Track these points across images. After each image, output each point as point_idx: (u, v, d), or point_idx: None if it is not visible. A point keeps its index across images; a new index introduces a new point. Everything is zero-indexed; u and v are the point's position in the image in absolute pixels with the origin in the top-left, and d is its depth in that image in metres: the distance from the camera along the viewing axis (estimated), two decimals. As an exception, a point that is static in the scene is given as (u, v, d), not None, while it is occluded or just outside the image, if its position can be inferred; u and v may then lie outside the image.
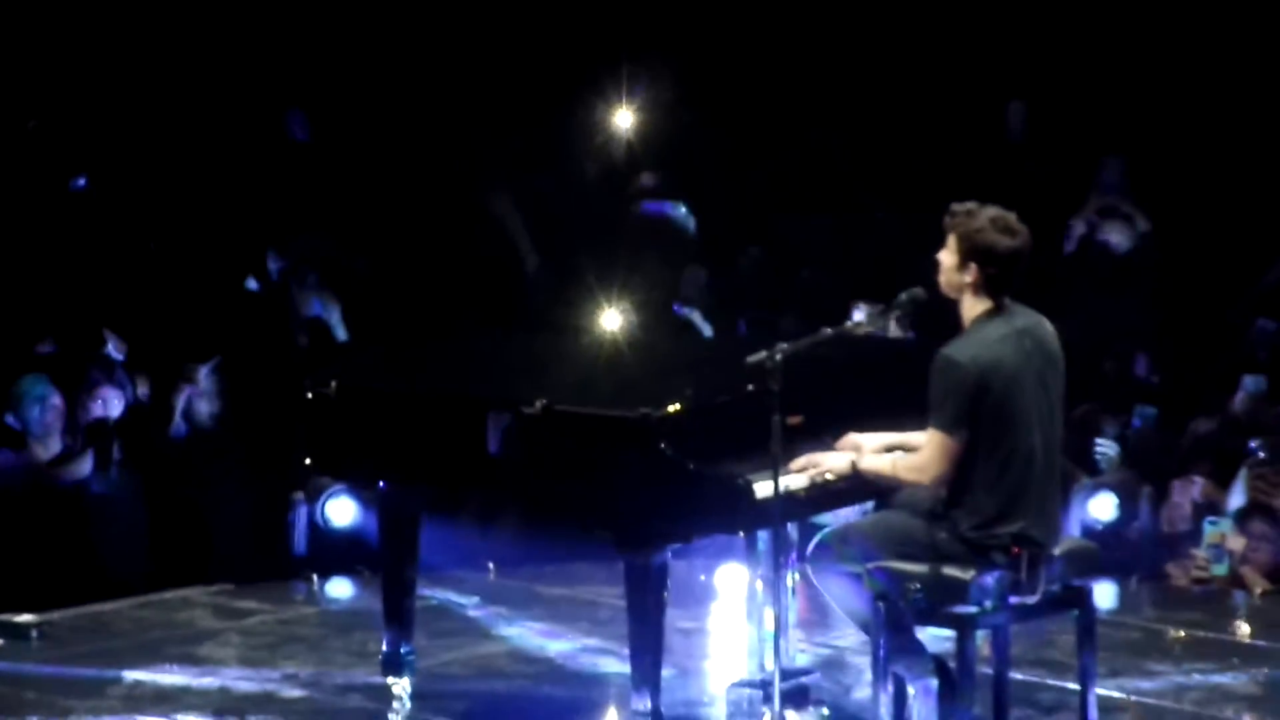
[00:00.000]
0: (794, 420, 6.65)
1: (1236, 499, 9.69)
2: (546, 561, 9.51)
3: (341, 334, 11.32)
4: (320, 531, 9.99)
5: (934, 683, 6.69)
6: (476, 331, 9.18)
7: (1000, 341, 6.51)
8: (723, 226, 12.39)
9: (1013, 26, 12.82)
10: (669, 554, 6.73)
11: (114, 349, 10.56)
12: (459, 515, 9.30)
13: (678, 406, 6.68)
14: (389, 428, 7.35)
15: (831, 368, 7.04)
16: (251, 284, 11.55)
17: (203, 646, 8.57)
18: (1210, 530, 9.56)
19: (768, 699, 6.86)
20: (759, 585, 7.22)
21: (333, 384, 7.42)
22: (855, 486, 6.78)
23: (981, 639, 6.79)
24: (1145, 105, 12.48)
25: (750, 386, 6.66)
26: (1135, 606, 9.20)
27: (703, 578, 9.25)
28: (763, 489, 6.54)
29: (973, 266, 6.55)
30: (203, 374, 10.15)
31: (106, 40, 12.37)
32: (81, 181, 11.93)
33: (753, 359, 6.54)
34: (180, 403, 10.16)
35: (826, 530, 6.82)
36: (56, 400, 9.77)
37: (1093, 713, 6.79)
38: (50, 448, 9.76)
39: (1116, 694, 7.75)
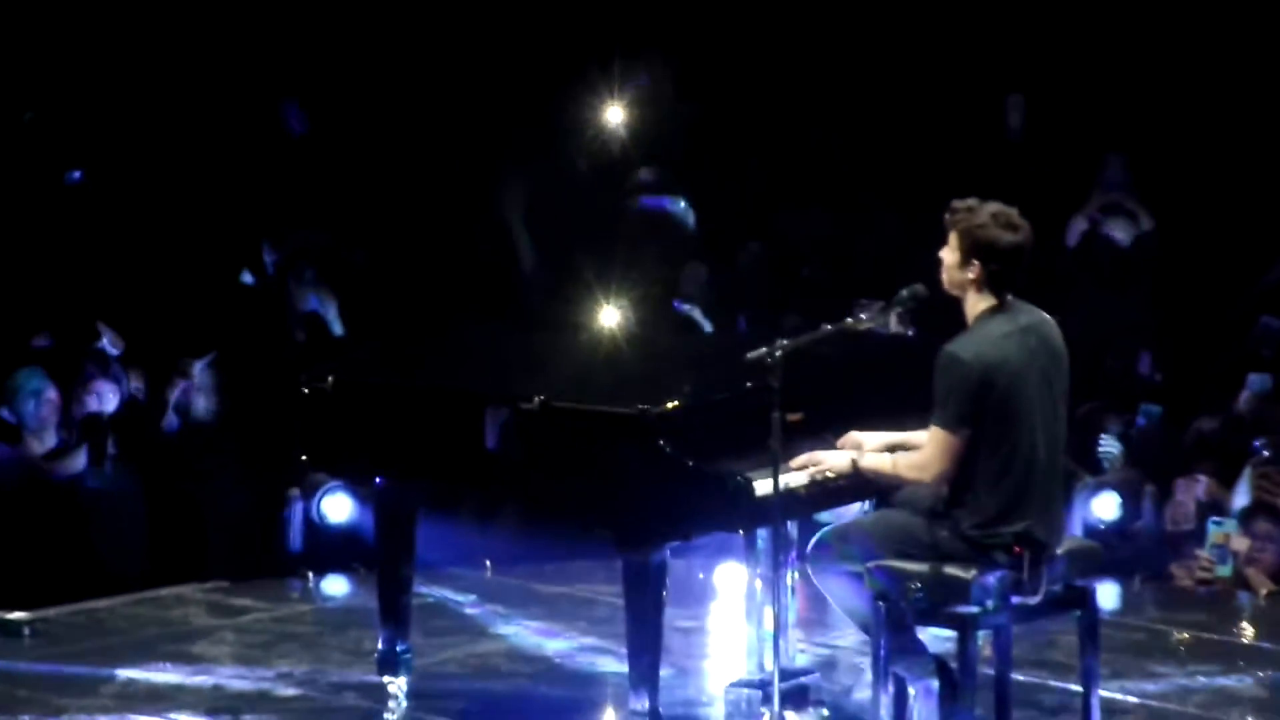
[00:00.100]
0: (794, 417, 6.61)
1: (1241, 499, 9.65)
2: (544, 559, 9.47)
3: (338, 329, 11.29)
4: (316, 528, 9.96)
5: (935, 683, 6.64)
6: (474, 327, 9.14)
7: (1004, 339, 6.46)
8: (722, 222, 12.35)
9: (1012, 22, 12.78)
10: (668, 552, 6.69)
11: (109, 343, 10.52)
12: (456, 512, 9.26)
13: (677, 403, 6.64)
14: (386, 423, 7.31)
15: (832, 364, 7.00)
16: (247, 278, 11.51)
17: (197, 644, 8.54)
18: (1214, 531, 9.52)
19: (767, 699, 6.81)
20: (758, 584, 7.18)
21: (329, 379, 7.37)
22: (856, 485, 6.73)
23: (983, 639, 6.75)
24: (1146, 101, 12.44)
25: (750, 383, 6.61)
26: (1139, 607, 9.16)
27: (701, 576, 9.22)
28: (762, 487, 6.50)
29: (975, 263, 6.51)
30: (197, 369, 10.11)
31: (101, 32, 12.33)
32: (77, 174, 11.89)
33: (752, 355, 6.50)
34: (173, 397, 10.12)
35: (826, 529, 6.78)
36: (52, 394, 9.74)
37: (1095, 715, 6.75)
38: (45, 442, 9.73)
39: (1119, 696, 7.70)
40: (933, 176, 11.79)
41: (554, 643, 8.50)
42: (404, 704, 7.55)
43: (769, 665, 6.87)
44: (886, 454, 6.66)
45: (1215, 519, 9.56)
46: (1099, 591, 6.86)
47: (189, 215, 11.77)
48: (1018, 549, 6.46)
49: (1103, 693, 6.97)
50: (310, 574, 9.65)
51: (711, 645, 8.44)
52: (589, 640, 8.48)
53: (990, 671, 6.86)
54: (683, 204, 12.22)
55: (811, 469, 6.68)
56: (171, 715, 7.62)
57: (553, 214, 12.23)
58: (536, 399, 6.79)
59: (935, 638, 6.81)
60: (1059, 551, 6.60)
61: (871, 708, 6.65)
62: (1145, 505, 9.89)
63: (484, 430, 6.94)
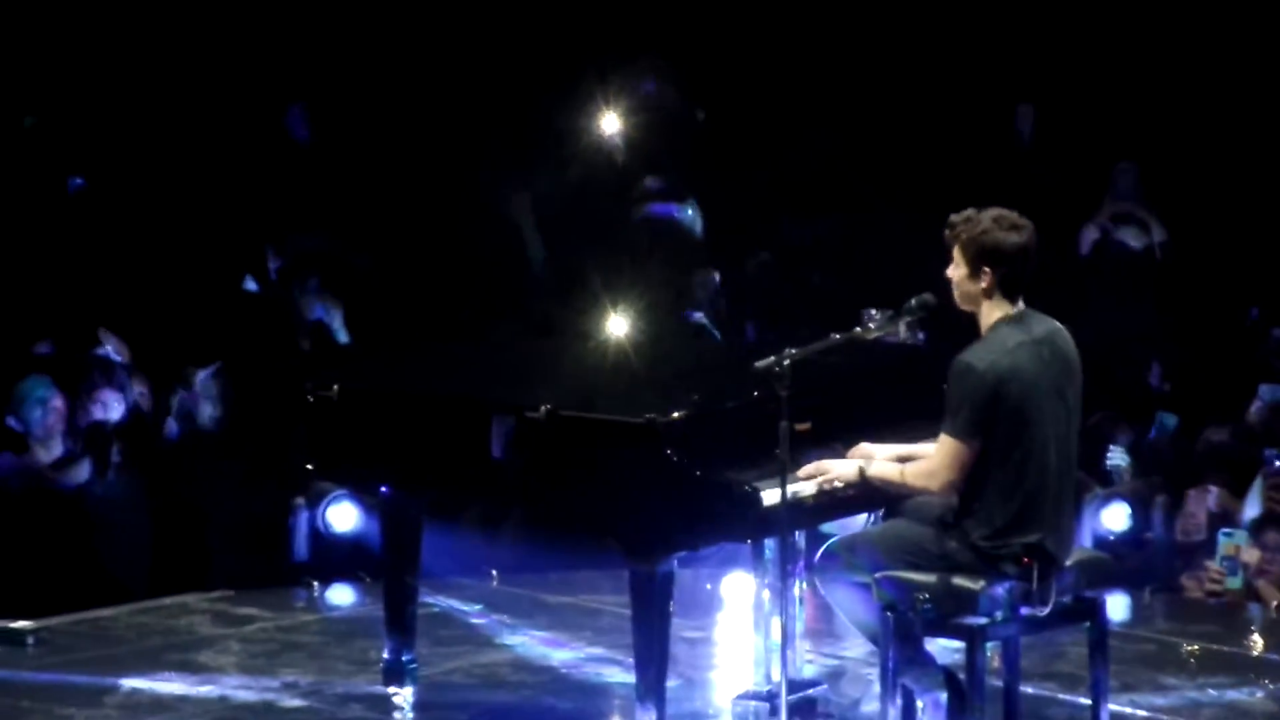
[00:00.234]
0: (802, 427, 6.59)
1: (1252, 510, 9.61)
2: (550, 569, 9.44)
3: (343, 337, 11.27)
4: (321, 537, 9.94)
5: (943, 696, 6.61)
6: (481, 335, 9.14)
7: (1018, 349, 6.43)
8: (730, 230, 12.33)
9: (1023, 31, 12.76)
10: (674, 562, 6.66)
11: (113, 350, 10.49)
12: (462, 521, 9.24)
13: (684, 412, 6.60)
14: (392, 432, 7.29)
15: (840, 373, 6.97)
16: (250, 284, 11.50)
17: (202, 654, 8.51)
18: (1224, 542, 9.47)
19: (774, 711, 6.78)
20: (766, 594, 7.14)
21: (335, 387, 7.35)
22: (864, 494, 6.70)
23: (991, 651, 6.71)
24: (1157, 110, 12.42)
25: (757, 392, 6.58)
26: (1149, 619, 9.12)
27: (709, 586, 9.18)
28: (770, 496, 6.47)
29: (985, 270, 6.48)
30: (200, 378, 10.09)
31: (104, 39, 12.33)
32: (79, 181, 11.89)
33: (760, 364, 6.47)
34: (174, 406, 10.10)
35: (834, 539, 6.75)
36: (58, 403, 9.72)
37: (1105, 728, 6.71)
38: (52, 450, 9.71)
39: (1129, 709, 7.66)
40: (944, 185, 11.77)
41: (560, 653, 8.47)
42: (410, 714, 7.53)
43: (776, 676, 6.84)
44: (895, 463, 6.63)
45: (1225, 530, 9.52)
46: (1108, 603, 6.81)
47: (192, 222, 11.76)
48: (1027, 560, 6.43)
49: (1112, 705, 6.94)
50: (316, 583, 9.62)
51: (718, 656, 8.41)
52: (595, 650, 8.44)
53: (999, 683, 6.83)
54: (690, 211, 12.20)
55: (819, 478, 6.64)
56: (175, 725, 7.63)
57: (560, 221, 12.21)
58: (543, 408, 6.76)
59: (944, 649, 6.78)
60: (1068, 563, 6.57)
61: (879, 720, 6.62)
62: (1156, 516, 9.86)
63: (490, 439, 6.92)
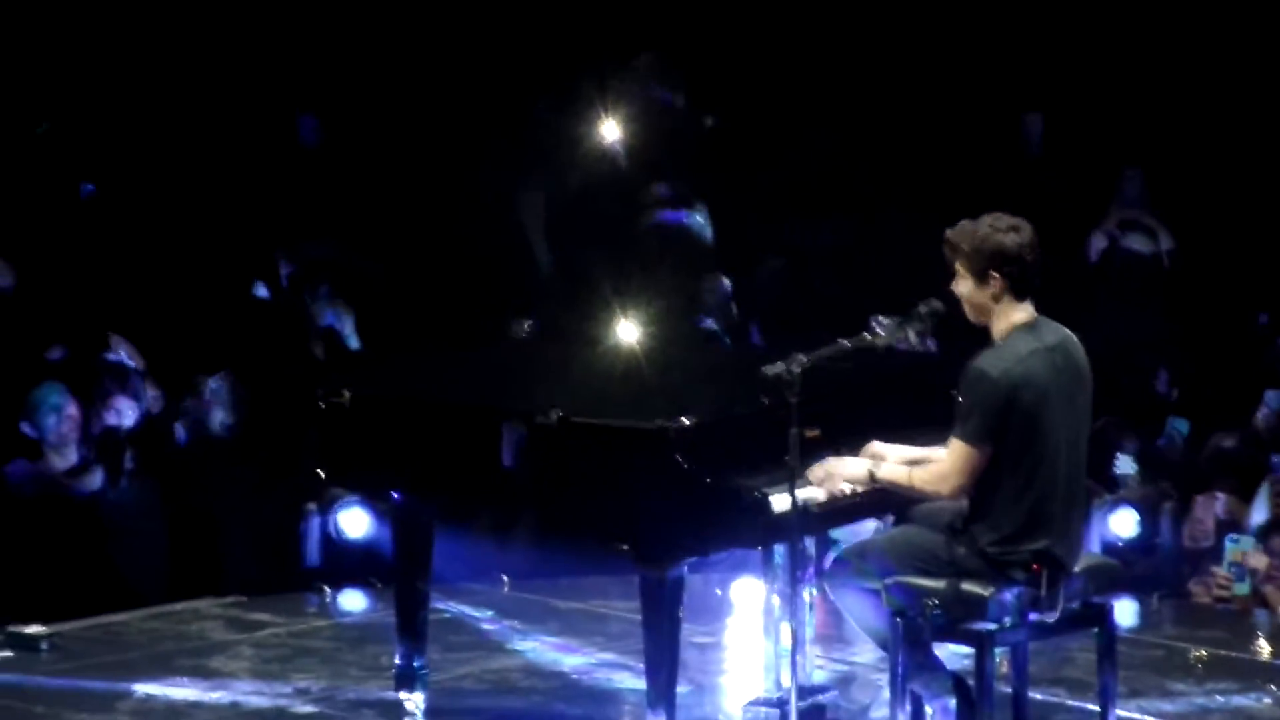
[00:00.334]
0: (811, 433, 6.60)
1: (1259, 515, 9.62)
2: (561, 575, 9.45)
3: (355, 343, 11.28)
4: (333, 543, 9.94)
5: (952, 701, 6.63)
6: (492, 341, 9.12)
7: (1031, 356, 6.45)
8: (739, 236, 12.34)
9: (1030, 39, 12.77)
10: (685, 568, 6.67)
11: (125, 355, 10.51)
12: (473, 527, 9.24)
13: (694, 418, 6.61)
14: (403, 438, 7.30)
15: (849, 380, 6.98)
16: (261, 291, 11.51)
17: (214, 659, 8.53)
18: (1231, 548, 9.48)
19: (784, 717, 6.79)
20: (776, 600, 7.16)
21: (346, 393, 7.37)
22: (872, 499, 6.71)
23: (1000, 657, 6.73)
24: (1163, 117, 12.42)
25: (767, 399, 6.60)
26: (1156, 624, 9.12)
27: (719, 592, 9.19)
28: (780, 502, 6.49)
29: (992, 275, 6.50)
30: (210, 386, 10.10)
31: (115, 45, 12.34)
32: (90, 187, 11.91)
33: (770, 370, 6.48)
34: (183, 412, 10.12)
35: (844, 545, 6.76)
36: (72, 410, 9.73)
37: (1113, 733, 6.73)
38: (66, 457, 9.72)
39: (1137, 715, 7.67)
40: (952, 192, 11.78)
41: (571, 658, 8.48)
42: (421, 720, 7.55)
43: (786, 682, 6.85)
44: (904, 466, 6.64)
45: (1232, 536, 9.53)
46: (1117, 609, 6.83)
47: (203, 228, 11.77)
48: (1036, 567, 6.45)
49: (1120, 711, 6.95)
50: (327, 589, 9.63)
51: (729, 661, 8.42)
52: (606, 656, 8.46)
53: (1007, 689, 6.84)
54: (700, 217, 12.20)
55: (828, 482, 6.66)
56: (188, 730, 7.65)
57: (569, 226, 12.22)
58: (554, 414, 6.78)
59: (953, 655, 6.79)
60: (1077, 568, 6.59)
61: (889, 726, 6.64)
62: (1164, 522, 9.86)
63: (501, 445, 6.93)
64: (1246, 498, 9.76)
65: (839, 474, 6.65)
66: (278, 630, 8.97)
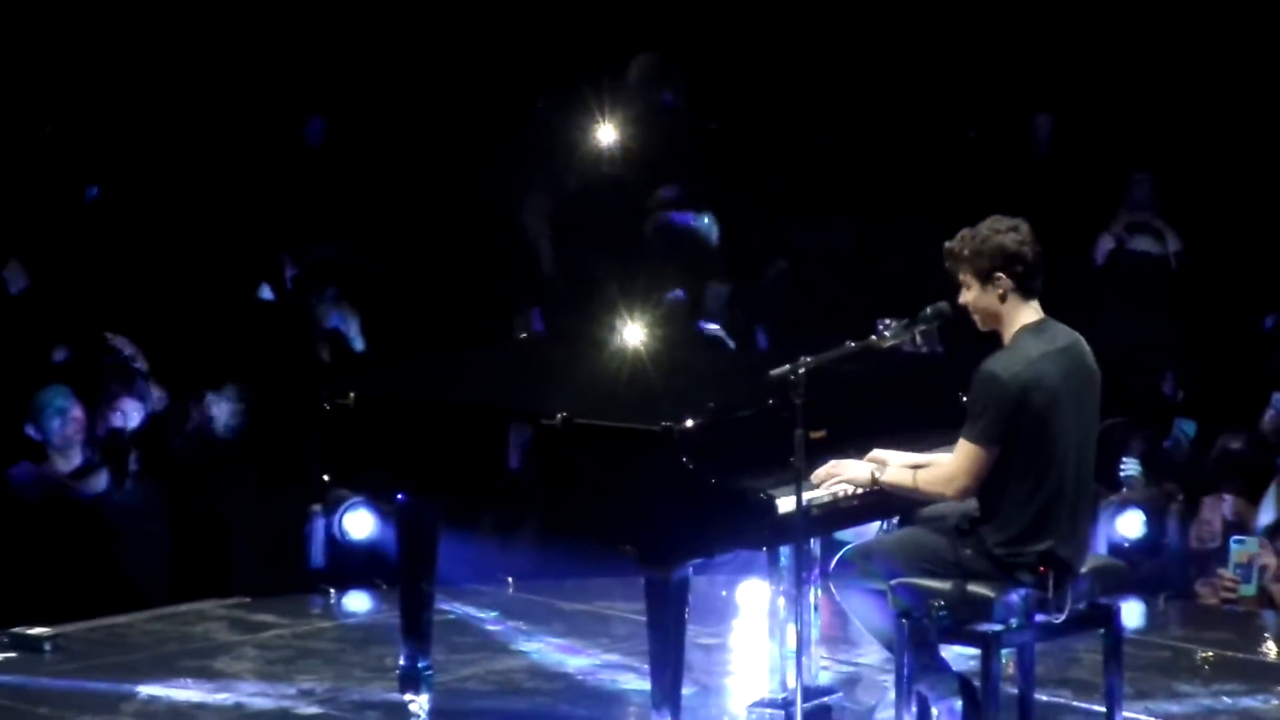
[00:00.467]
0: (817, 435, 6.59)
1: (1266, 516, 9.61)
2: (566, 576, 9.44)
3: (359, 345, 11.28)
4: (338, 544, 9.94)
5: (958, 703, 6.61)
6: (496, 341, 9.13)
7: (1042, 359, 6.45)
8: (743, 238, 12.33)
9: (1039, 40, 12.76)
10: (690, 569, 6.66)
11: (130, 357, 10.50)
12: (478, 528, 9.23)
13: (700, 420, 6.60)
14: (408, 439, 7.30)
15: (855, 382, 6.97)
16: (266, 293, 11.51)
17: (218, 661, 8.52)
18: (1237, 549, 9.47)
19: (789, 719, 6.77)
20: (781, 601, 7.15)
21: (351, 395, 7.36)
22: (877, 501, 6.70)
23: (1007, 658, 6.72)
24: (1172, 119, 12.41)
25: (773, 400, 6.59)
26: (1163, 626, 9.11)
27: (724, 593, 9.18)
28: (785, 504, 6.47)
29: (997, 276, 6.50)
30: (208, 401, 10.12)
31: (119, 47, 12.34)
32: (95, 190, 11.91)
33: (776, 372, 6.48)
34: (191, 418, 10.14)
35: (850, 546, 6.76)
36: (77, 412, 9.72)
37: (1120, 734, 6.71)
38: (71, 460, 9.72)
39: (1144, 716, 7.66)
40: (960, 194, 11.77)
41: (576, 660, 8.47)
42: (425, 721, 7.54)
43: (791, 684, 6.84)
44: (908, 469, 6.63)
45: (1237, 538, 9.52)
46: (1123, 610, 6.81)
47: (208, 230, 11.77)
48: (1042, 568, 6.43)
49: (1127, 713, 6.93)
50: (332, 590, 9.62)
51: (734, 663, 8.41)
52: (611, 657, 8.45)
53: (1014, 690, 6.83)
54: (706, 220, 12.20)
55: (831, 481, 6.64)
56: (192, 732, 7.65)
57: (576, 229, 12.22)
58: (559, 415, 6.77)
59: (959, 656, 6.78)
60: (1083, 570, 6.58)
61: (895, 727, 6.62)
62: (1171, 523, 9.85)
63: (506, 446, 6.92)
64: (1254, 499, 9.75)
65: (841, 476, 6.63)
66: (282, 631, 8.96)
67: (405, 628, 7.57)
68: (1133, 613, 9.06)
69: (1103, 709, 6.78)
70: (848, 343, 6.68)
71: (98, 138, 12.13)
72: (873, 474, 6.62)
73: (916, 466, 6.65)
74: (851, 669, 8.17)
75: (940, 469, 6.53)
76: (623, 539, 6.73)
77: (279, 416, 10.20)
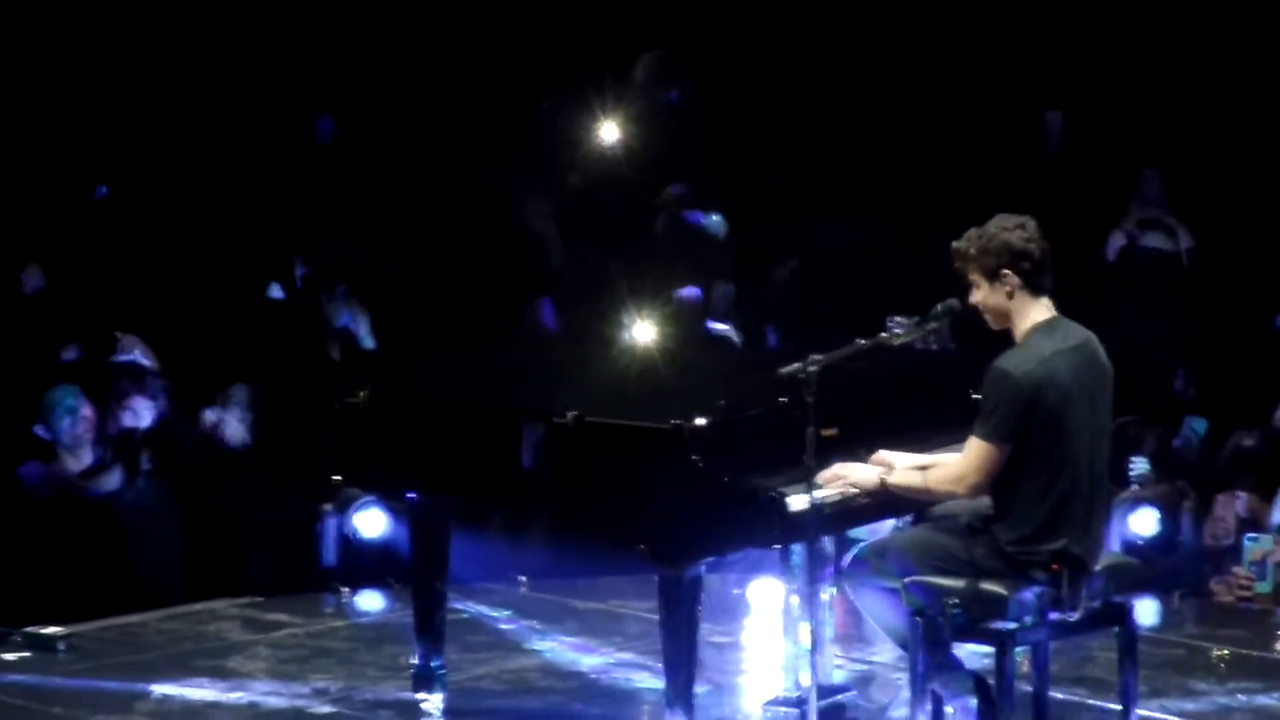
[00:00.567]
0: (829, 433, 6.58)
1: (1279, 513, 9.60)
2: (579, 575, 9.44)
3: (370, 344, 11.28)
4: (350, 543, 9.94)
5: (972, 701, 6.60)
6: (507, 341, 9.13)
7: (1055, 356, 6.44)
8: (753, 236, 12.33)
9: (1050, 38, 12.74)
10: (702, 568, 6.66)
11: (140, 355, 10.51)
12: (490, 527, 9.23)
13: (711, 418, 6.60)
14: (419, 438, 7.30)
15: (867, 379, 6.96)
16: (277, 292, 11.51)
17: (231, 660, 8.52)
18: (1251, 547, 9.46)
19: (803, 717, 6.78)
20: (794, 600, 7.14)
21: (362, 394, 7.36)
22: (889, 499, 6.69)
23: (1021, 656, 6.71)
24: (1183, 116, 12.39)
25: (784, 398, 6.58)
26: (1178, 624, 9.09)
27: (737, 591, 9.17)
28: (797, 502, 6.46)
29: (1004, 274, 6.50)
30: (218, 414, 10.14)
31: (130, 47, 12.35)
32: (104, 189, 11.92)
33: (787, 370, 6.47)
34: (206, 421, 10.15)
35: (863, 545, 6.75)
36: (87, 411, 9.73)
37: (1134, 732, 6.70)
38: (81, 459, 9.72)
39: (1159, 714, 7.64)
40: (971, 191, 11.76)
41: (589, 658, 8.47)
42: (439, 720, 7.54)
43: (805, 682, 6.84)
44: (917, 470, 6.62)
45: (1251, 535, 9.50)
46: (1138, 608, 6.80)
47: (218, 229, 11.78)
48: (1056, 566, 6.42)
49: (1141, 711, 6.92)
50: (344, 589, 9.63)
51: (747, 661, 8.40)
52: (624, 656, 8.44)
53: (1028, 688, 6.82)
54: (715, 218, 12.19)
55: (838, 484, 6.63)
56: (206, 731, 7.65)
57: (585, 227, 12.22)
58: (570, 414, 6.76)
59: (973, 654, 6.77)
60: (1097, 568, 6.56)
61: (909, 726, 6.62)
62: (1184, 521, 9.83)
63: (517, 445, 6.92)
64: (1267, 496, 9.73)
65: (847, 480, 6.61)
66: (295, 631, 8.96)
67: (418, 627, 7.58)
68: (1147, 610, 9.04)
69: (1118, 707, 6.77)
70: (858, 341, 6.67)
71: (107, 138, 12.13)
72: (881, 478, 6.61)
73: (923, 468, 6.63)
74: (865, 667, 8.16)
75: (951, 467, 6.53)
76: (635, 538, 6.73)
77: (290, 416, 10.20)
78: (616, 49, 12.45)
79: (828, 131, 12.76)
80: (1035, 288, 6.52)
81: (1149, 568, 8.42)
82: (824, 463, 6.57)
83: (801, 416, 6.39)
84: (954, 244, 6.58)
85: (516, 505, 7.37)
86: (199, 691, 8.07)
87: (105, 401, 9.92)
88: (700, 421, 6.57)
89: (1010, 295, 6.52)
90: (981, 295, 6.55)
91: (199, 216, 11.84)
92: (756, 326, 11.55)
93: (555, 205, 12.14)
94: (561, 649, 8.62)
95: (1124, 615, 6.68)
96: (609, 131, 11.82)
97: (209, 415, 10.25)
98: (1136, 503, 9.78)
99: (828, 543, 7.10)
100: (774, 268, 12.25)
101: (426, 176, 12.45)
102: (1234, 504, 9.74)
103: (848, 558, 6.77)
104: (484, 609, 9.14)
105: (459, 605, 8.77)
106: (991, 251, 6.50)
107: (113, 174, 12.03)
